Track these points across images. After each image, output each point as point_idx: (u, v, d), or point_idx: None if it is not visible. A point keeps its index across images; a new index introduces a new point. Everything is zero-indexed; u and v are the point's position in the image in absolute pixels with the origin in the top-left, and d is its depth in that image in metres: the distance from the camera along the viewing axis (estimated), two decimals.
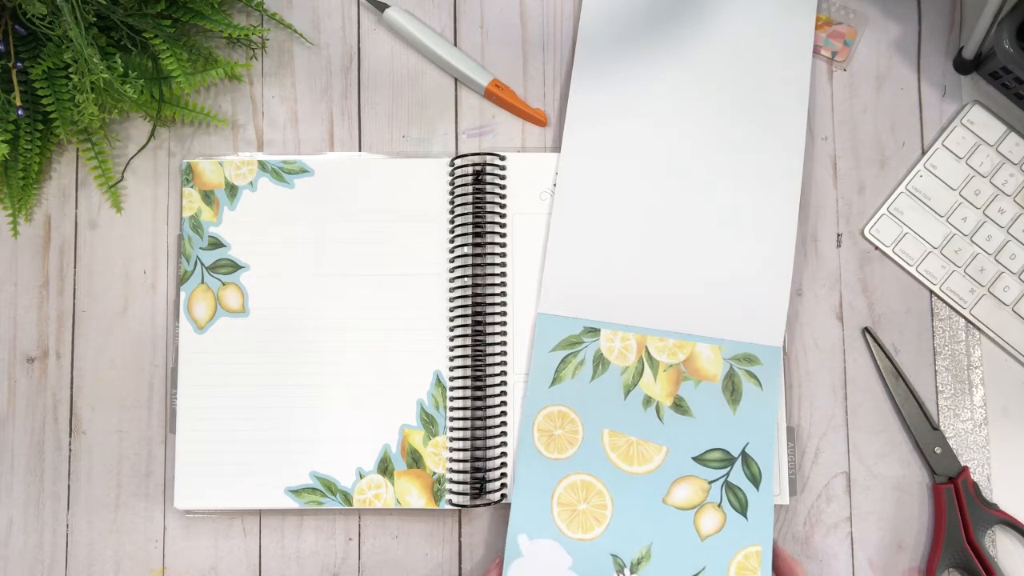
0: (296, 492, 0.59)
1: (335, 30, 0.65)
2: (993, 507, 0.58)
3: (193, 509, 0.60)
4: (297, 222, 0.61)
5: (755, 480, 0.57)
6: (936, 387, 0.60)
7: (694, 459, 0.57)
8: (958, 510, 0.58)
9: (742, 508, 0.56)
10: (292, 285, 0.61)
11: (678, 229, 0.60)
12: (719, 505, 0.56)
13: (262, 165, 0.62)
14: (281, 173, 0.62)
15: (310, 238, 0.61)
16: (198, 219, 0.62)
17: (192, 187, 0.62)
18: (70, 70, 0.56)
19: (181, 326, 0.61)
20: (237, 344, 0.61)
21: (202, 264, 0.61)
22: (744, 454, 0.57)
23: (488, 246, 0.60)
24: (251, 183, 0.62)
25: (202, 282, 0.61)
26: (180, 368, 0.60)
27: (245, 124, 0.64)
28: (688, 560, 0.56)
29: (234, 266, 0.61)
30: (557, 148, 0.62)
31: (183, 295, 0.61)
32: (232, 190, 0.62)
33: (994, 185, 0.61)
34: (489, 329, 0.59)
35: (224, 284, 0.61)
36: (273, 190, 0.62)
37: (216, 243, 0.61)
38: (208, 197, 0.62)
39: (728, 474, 0.57)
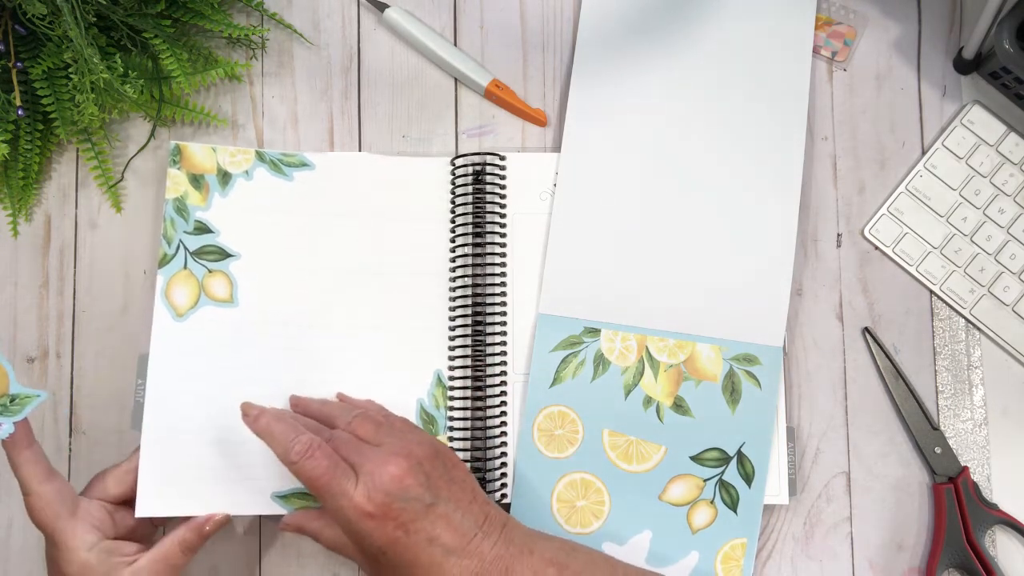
0: (284, 498, 0.56)
1: (335, 30, 0.65)
2: (993, 507, 0.58)
3: (156, 516, 0.56)
4: (295, 215, 0.60)
5: (748, 478, 0.57)
6: (936, 387, 0.60)
7: (691, 458, 0.57)
8: (958, 510, 0.58)
9: (733, 504, 0.57)
10: (288, 279, 0.60)
11: (678, 229, 0.60)
12: (711, 502, 0.57)
13: (260, 155, 0.61)
14: (280, 165, 0.61)
15: (308, 232, 0.60)
16: (184, 202, 0.59)
17: (179, 168, 0.60)
18: (70, 70, 0.56)
19: (156, 312, 0.58)
20: (222, 335, 0.58)
21: (186, 248, 0.59)
22: (740, 453, 0.57)
23: (488, 246, 0.60)
24: (246, 172, 0.61)
25: (185, 267, 0.59)
26: (152, 357, 0.57)
27: (245, 124, 0.64)
28: (679, 550, 0.57)
29: (223, 253, 0.59)
30: (557, 148, 0.62)
31: (160, 279, 0.58)
32: (225, 176, 0.60)
33: (994, 185, 0.61)
34: (489, 329, 0.59)
35: (211, 271, 0.59)
36: (270, 181, 0.61)
37: (203, 228, 0.59)
38: (197, 181, 0.60)
39: (723, 472, 0.57)
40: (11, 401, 0.49)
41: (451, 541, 0.47)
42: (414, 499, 0.47)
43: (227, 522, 0.56)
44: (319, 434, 0.51)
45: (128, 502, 0.55)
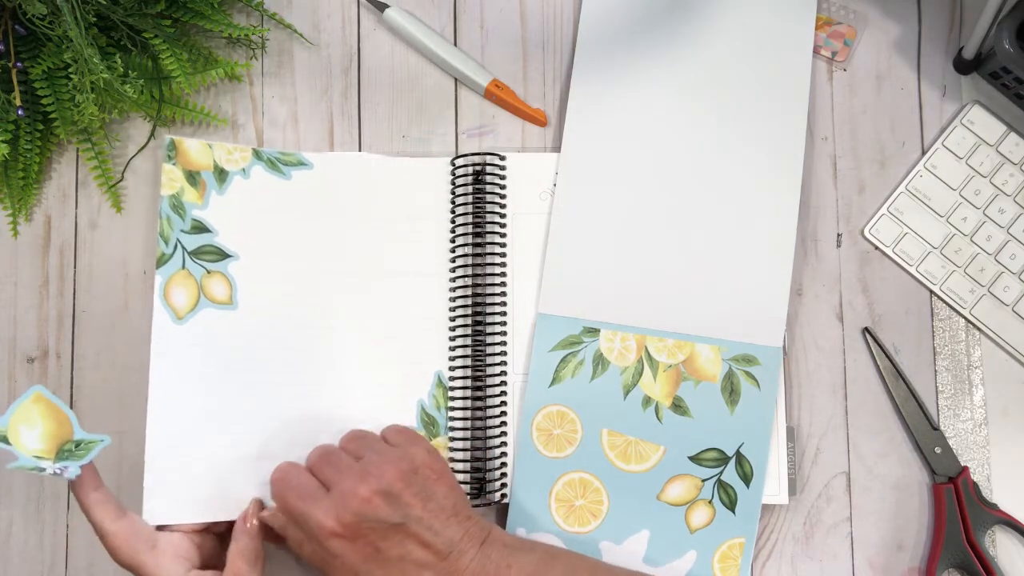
0: None
1: (335, 30, 0.65)
2: (993, 507, 0.58)
3: (166, 524, 0.54)
4: (294, 215, 0.60)
5: (746, 479, 0.57)
6: (936, 387, 0.60)
7: (690, 458, 0.57)
8: (958, 510, 0.58)
9: (731, 504, 0.57)
10: (287, 280, 0.59)
11: (678, 229, 0.60)
12: (710, 501, 0.57)
13: (257, 154, 0.60)
14: (278, 164, 0.60)
15: (307, 233, 0.60)
16: (180, 199, 0.58)
17: (175, 164, 0.58)
18: (70, 70, 0.56)
19: (156, 315, 0.56)
20: (223, 339, 0.57)
21: (183, 248, 0.58)
22: (738, 454, 0.57)
23: (488, 246, 0.60)
24: (243, 170, 0.60)
25: (183, 267, 0.57)
26: (153, 362, 0.56)
27: (245, 124, 0.64)
28: (676, 549, 0.57)
29: (221, 254, 0.58)
30: (557, 148, 0.62)
31: (159, 280, 0.57)
32: (222, 174, 0.59)
33: (994, 185, 0.61)
34: (489, 329, 0.59)
35: (209, 272, 0.58)
36: (268, 180, 0.60)
37: (200, 227, 0.58)
38: (193, 178, 0.59)
39: (721, 473, 0.57)
40: (76, 447, 0.50)
41: (424, 557, 0.48)
42: (382, 519, 0.48)
43: (262, 506, 0.55)
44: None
45: (207, 528, 0.56)
